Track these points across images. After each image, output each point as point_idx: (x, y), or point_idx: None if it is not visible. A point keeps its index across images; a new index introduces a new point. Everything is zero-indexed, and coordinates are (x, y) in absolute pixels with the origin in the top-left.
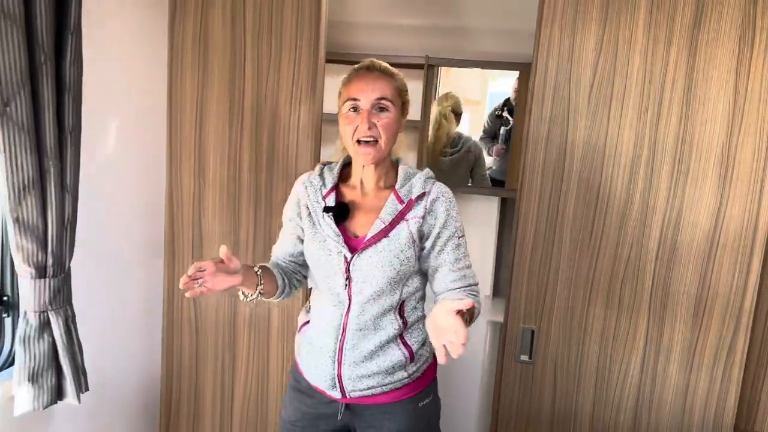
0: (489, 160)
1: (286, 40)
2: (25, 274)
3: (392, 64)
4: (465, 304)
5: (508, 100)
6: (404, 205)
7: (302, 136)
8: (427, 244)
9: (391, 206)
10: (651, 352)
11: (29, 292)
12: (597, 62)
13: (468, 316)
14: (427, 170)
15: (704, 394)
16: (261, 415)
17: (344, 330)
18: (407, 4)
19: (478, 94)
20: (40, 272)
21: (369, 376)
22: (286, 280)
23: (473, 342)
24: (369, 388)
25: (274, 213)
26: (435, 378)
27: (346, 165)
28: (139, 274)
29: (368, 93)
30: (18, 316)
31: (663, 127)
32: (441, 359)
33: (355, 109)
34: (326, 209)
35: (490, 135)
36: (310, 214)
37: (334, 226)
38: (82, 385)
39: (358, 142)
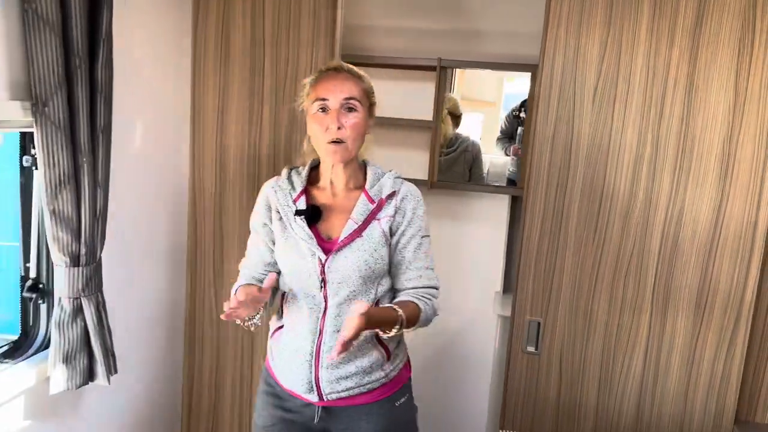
0: (506, 160)
1: (304, 43)
2: (60, 263)
3: (406, 66)
4: (362, 308)
5: (525, 101)
6: (375, 204)
7: None
8: (393, 241)
9: (362, 206)
10: (653, 344)
11: (63, 279)
12: (601, 63)
13: (403, 322)
14: (394, 171)
15: (706, 385)
16: None
17: (321, 332)
18: (420, 8)
19: (493, 96)
20: (74, 261)
21: (347, 378)
22: (270, 293)
23: (485, 335)
24: (347, 390)
25: None
26: (410, 377)
27: (314, 168)
28: (162, 266)
29: (337, 93)
30: (52, 303)
31: (665, 127)
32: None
33: (324, 109)
34: (298, 212)
35: (508, 135)
36: (281, 218)
37: (307, 228)
38: (111, 367)
39: (328, 142)
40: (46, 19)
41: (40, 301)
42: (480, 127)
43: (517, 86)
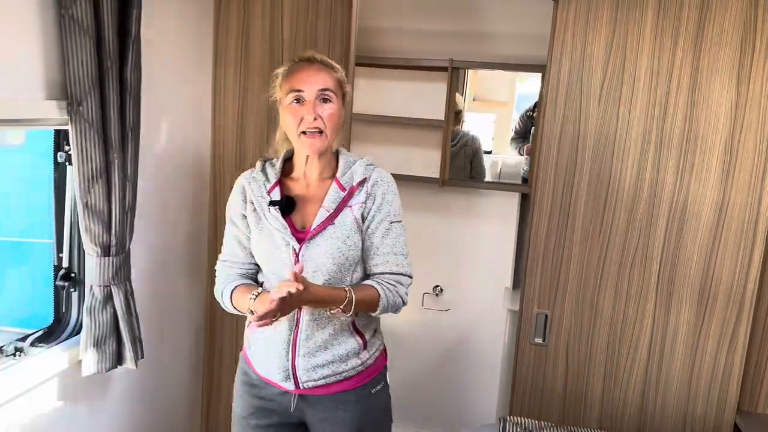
0: (519, 160)
1: (320, 45)
2: (91, 253)
3: (418, 67)
4: (279, 293)
5: (538, 101)
6: (346, 192)
7: None
8: (364, 227)
9: (333, 194)
10: (657, 336)
11: (95, 268)
12: (607, 65)
13: (352, 302)
14: (367, 158)
15: (708, 376)
16: None
17: (298, 321)
18: (432, 11)
19: (506, 96)
20: (105, 251)
21: (323, 366)
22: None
23: (495, 328)
24: (323, 378)
25: None
26: (386, 366)
27: (287, 159)
28: (185, 257)
29: (311, 84)
30: (83, 291)
31: (669, 125)
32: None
33: (299, 100)
34: (272, 203)
35: (521, 135)
36: (255, 209)
37: (280, 219)
38: (138, 352)
39: (303, 133)
40: (81, 24)
41: (72, 290)
42: (493, 127)
43: (529, 86)
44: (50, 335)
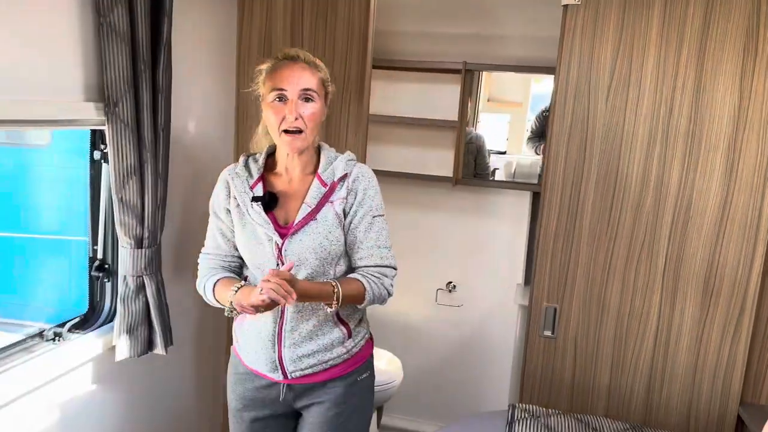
0: (533, 161)
1: (339, 48)
2: (125, 245)
3: (432, 69)
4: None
5: None
6: (327, 187)
7: (351, 134)
8: (346, 222)
9: (315, 190)
10: (663, 329)
11: (128, 259)
12: (614, 67)
13: (339, 295)
14: (348, 153)
15: (712, 368)
16: None
17: (282, 313)
18: (447, 15)
19: (520, 97)
20: (138, 243)
21: (309, 355)
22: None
23: (507, 323)
24: (310, 367)
25: None
26: (372, 354)
27: (270, 155)
28: None
29: (294, 84)
30: (116, 282)
31: (674, 125)
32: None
33: (281, 98)
34: (255, 199)
35: (538, 134)
36: (238, 205)
37: (263, 214)
38: (168, 339)
39: (285, 131)
40: (117, 30)
41: (105, 280)
42: (507, 128)
43: (544, 87)
44: (85, 322)
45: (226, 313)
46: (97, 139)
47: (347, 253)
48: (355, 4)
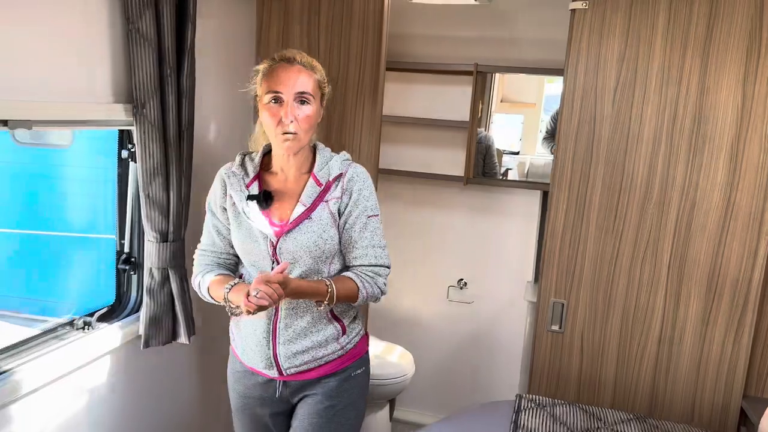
0: (547, 161)
1: (353, 51)
2: (151, 239)
3: (445, 71)
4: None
5: None
6: (323, 187)
7: (365, 134)
8: (340, 221)
9: (310, 189)
10: (668, 324)
11: (154, 252)
12: (620, 70)
13: (333, 293)
14: (344, 153)
15: (716, 363)
16: None
17: (277, 310)
18: (459, 18)
19: (534, 97)
20: (163, 237)
21: (303, 352)
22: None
23: (517, 319)
24: (304, 363)
25: None
26: (367, 351)
27: (266, 153)
28: None
29: (290, 87)
30: (142, 274)
31: (678, 126)
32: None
33: (277, 100)
34: (250, 197)
35: (552, 134)
36: (234, 203)
37: (258, 213)
38: (191, 329)
39: (281, 133)
40: (145, 36)
41: (131, 273)
42: (520, 128)
43: (557, 88)
44: (112, 313)
45: (227, 311)
46: (124, 138)
47: (342, 252)
48: (369, 9)
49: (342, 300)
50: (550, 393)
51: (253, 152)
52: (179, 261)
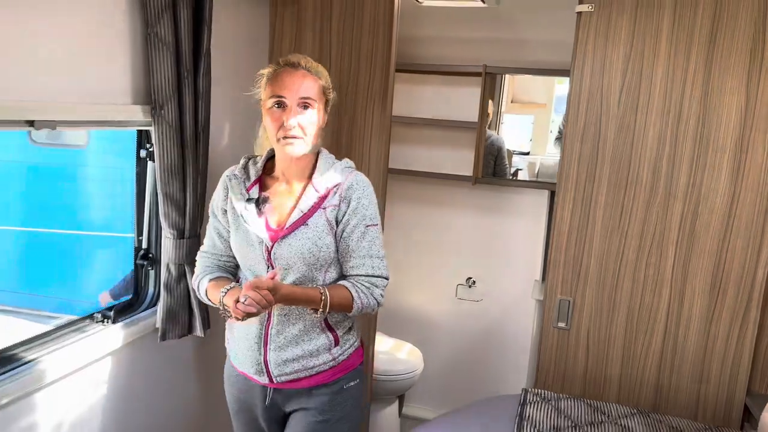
0: (556, 161)
1: (364, 55)
2: (169, 236)
3: (454, 73)
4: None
5: None
6: (321, 194)
7: (375, 135)
8: (338, 230)
9: (308, 195)
10: (672, 322)
11: (171, 249)
12: (625, 72)
13: (326, 301)
14: (346, 160)
15: (720, 360)
16: None
17: (269, 316)
18: (467, 20)
19: (544, 98)
20: (180, 234)
21: (294, 360)
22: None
23: (524, 317)
24: (294, 372)
25: None
26: (362, 363)
27: (271, 158)
28: None
29: (293, 92)
30: (159, 270)
31: (683, 127)
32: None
33: (280, 105)
34: (248, 200)
35: None
36: (234, 207)
37: (256, 216)
38: (206, 322)
39: (283, 138)
40: (163, 40)
41: (149, 268)
42: (531, 128)
43: (567, 88)
44: (130, 307)
45: (220, 314)
46: (142, 138)
47: (339, 260)
48: (380, 13)
49: (336, 309)
50: (557, 389)
51: (257, 156)
52: (195, 257)
